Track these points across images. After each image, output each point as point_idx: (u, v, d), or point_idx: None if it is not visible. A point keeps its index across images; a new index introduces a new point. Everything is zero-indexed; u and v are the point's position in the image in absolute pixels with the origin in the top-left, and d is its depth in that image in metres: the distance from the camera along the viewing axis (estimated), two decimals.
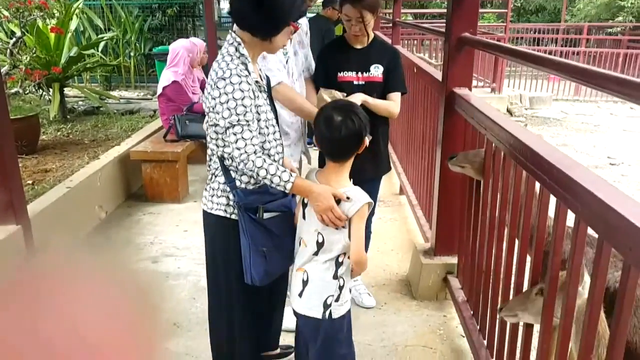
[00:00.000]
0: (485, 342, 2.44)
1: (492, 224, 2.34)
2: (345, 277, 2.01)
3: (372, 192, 2.65)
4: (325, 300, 1.98)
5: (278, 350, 2.56)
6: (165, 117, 5.09)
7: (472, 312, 2.68)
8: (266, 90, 2.07)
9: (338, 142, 1.93)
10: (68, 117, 6.38)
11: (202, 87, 5.42)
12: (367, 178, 2.68)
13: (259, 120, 1.95)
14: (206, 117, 1.99)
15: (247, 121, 1.87)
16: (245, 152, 1.87)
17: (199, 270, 3.49)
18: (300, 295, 2.02)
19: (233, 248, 2.04)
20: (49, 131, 5.75)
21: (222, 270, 2.14)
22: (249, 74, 1.93)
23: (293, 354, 2.46)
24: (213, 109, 1.90)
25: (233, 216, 2.03)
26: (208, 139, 2.02)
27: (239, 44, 1.95)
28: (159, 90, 5.10)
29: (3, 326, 0.36)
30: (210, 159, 2.08)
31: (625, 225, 1.24)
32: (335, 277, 1.98)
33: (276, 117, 2.12)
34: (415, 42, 12.24)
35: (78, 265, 0.43)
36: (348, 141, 1.93)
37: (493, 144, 2.29)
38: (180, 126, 4.86)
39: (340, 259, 1.98)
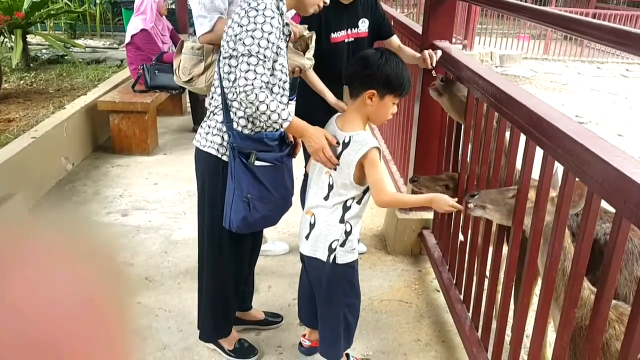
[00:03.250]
0: (461, 297, 2.46)
1: (472, 179, 2.32)
2: (353, 224, 2.01)
3: None
4: (330, 244, 1.99)
5: (263, 316, 2.54)
6: (133, 66, 4.90)
7: (448, 267, 2.69)
8: (287, 40, 2.02)
9: (349, 67, 1.99)
10: (31, 65, 6.10)
11: (172, 37, 5.21)
12: None
13: (275, 62, 1.91)
14: (220, 50, 1.96)
15: (265, 57, 1.83)
16: (252, 84, 1.81)
17: (171, 224, 3.42)
18: (307, 237, 2.04)
19: (221, 190, 2.02)
20: (12, 79, 5.50)
21: (208, 212, 2.12)
22: (281, 14, 1.91)
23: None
24: (235, 36, 1.86)
25: (224, 157, 2.01)
26: (216, 74, 1.99)
27: None
28: (127, 39, 4.89)
29: None
30: (212, 96, 2.04)
31: (619, 178, 1.22)
32: (342, 221, 1.99)
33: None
34: None
35: (34, 233, 0.42)
36: (355, 66, 1.96)
37: (475, 96, 2.25)
38: (149, 76, 4.69)
39: (348, 203, 1.98)
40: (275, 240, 3.15)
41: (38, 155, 3.70)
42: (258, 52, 1.81)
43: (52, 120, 4.11)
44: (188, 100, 5.29)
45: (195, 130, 5.12)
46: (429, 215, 3.09)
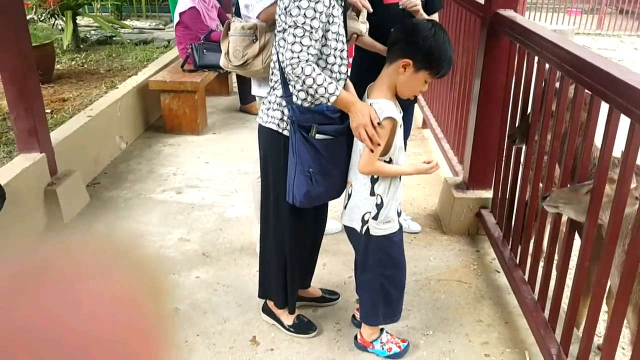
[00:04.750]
0: (526, 277, 2.37)
1: (541, 156, 2.22)
2: (384, 196, 1.99)
3: (407, 119, 2.54)
4: (363, 216, 2.01)
5: (320, 293, 2.52)
6: (182, 46, 4.90)
7: (510, 248, 2.60)
8: (343, 5, 1.96)
9: (395, 31, 1.94)
10: (81, 46, 6.20)
11: (219, 16, 5.19)
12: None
13: (327, 31, 1.86)
14: (276, 24, 1.93)
15: (312, 27, 1.79)
16: (298, 57, 1.79)
17: (224, 202, 3.43)
18: (345, 207, 2.09)
19: (283, 165, 2.01)
20: (63, 60, 5.60)
21: (272, 187, 2.12)
22: None
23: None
24: (285, 9, 1.83)
25: (285, 132, 1.99)
26: (274, 48, 1.97)
27: None
28: (176, 18, 4.89)
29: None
30: (272, 72, 2.02)
31: None
32: (372, 193, 1.99)
33: (347, 36, 2.01)
34: None
35: (76, 254, 0.41)
36: (401, 32, 1.91)
37: (547, 66, 2.15)
38: (197, 56, 4.68)
39: (375, 176, 1.98)
40: (328, 218, 3.11)
41: (94, 133, 3.76)
42: (304, 23, 1.77)
43: (106, 99, 4.16)
44: (235, 80, 5.28)
45: (242, 110, 5.13)
46: (488, 194, 3.00)
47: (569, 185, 1.99)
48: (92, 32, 7.00)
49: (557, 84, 2.06)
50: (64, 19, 5.75)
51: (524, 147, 2.46)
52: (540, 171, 2.26)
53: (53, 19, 5.97)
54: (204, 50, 4.73)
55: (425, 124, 4.57)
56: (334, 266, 2.77)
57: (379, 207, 1.99)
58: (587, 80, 1.78)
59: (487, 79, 2.84)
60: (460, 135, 3.49)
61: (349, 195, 2.06)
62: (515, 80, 2.61)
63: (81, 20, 7.08)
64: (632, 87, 1.52)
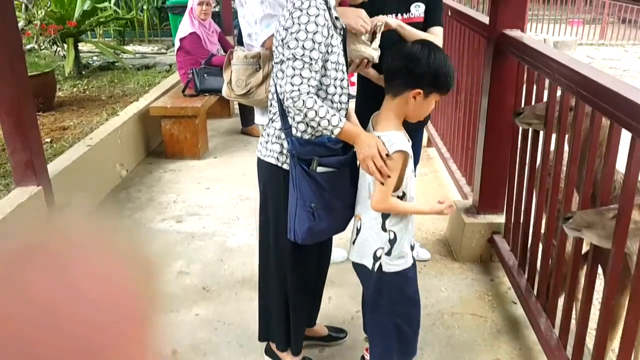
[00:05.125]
0: (545, 309, 2.24)
1: (557, 181, 2.10)
2: (398, 232, 1.87)
3: (416, 143, 2.43)
4: (375, 252, 1.88)
5: (326, 332, 2.39)
6: (183, 71, 4.85)
7: (526, 276, 2.47)
8: (342, 33, 1.87)
9: (389, 61, 1.82)
10: (83, 72, 6.16)
11: (220, 40, 5.14)
12: (408, 128, 2.43)
13: (326, 61, 1.78)
14: (274, 55, 1.85)
15: (311, 59, 1.71)
16: (299, 90, 1.71)
17: (225, 230, 3.32)
18: (353, 242, 1.97)
19: (283, 200, 1.91)
20: (65, 87, 5.56)
21: (272, 222, 2.01)
22: (329, 9, 1.77)
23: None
24: (282, 40, 1.75)
25: (285, 165, 1.89)
26: (272, 80, 1.88)
27: None
28: (177, 43, 4.84)
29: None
30: (271, 103, 1.94)
31: None
32: (384, 229, 1.86)
33: (347, 65, 1.92)
34: None
35: (69, 236, 0.43)
36: (398, 62, 1.80)
37: (559, 89, 2.04)
38: (198, 80, 4.63)
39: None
40: (333, 247, 3.00)
41: (94, 163, 3.67)
42: (303, 55, 1.70)
43: (106, 127, 4.09)
44: (236, 102, 5.21)
45: (244, 133, 5.06)
46: (500, 219, 2.88)
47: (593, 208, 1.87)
48: (95, 58, 6.99)
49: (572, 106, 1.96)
50: (66, 46, 5.72)
51: (538, 167, 2.34)
52: (556, 195, 2.14)
53: (55, 47, 5.94)
54: (205, 75, 4.68)
55: (430, 143, 4.46)
56: (340, 299, 2.65)
57: (392, 242, 1.87)
58: (606, 106, 1.67)
59: (495, 98, 2.73)
60: (468, 156, 3.38)
61: (358, 230, 1.93)
62: (525, 101, 2.50)
63: (83, 47, 7.07)
64: None
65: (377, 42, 2.04)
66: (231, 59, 2.42)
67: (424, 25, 2.36)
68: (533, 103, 2.39)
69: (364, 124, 1.94)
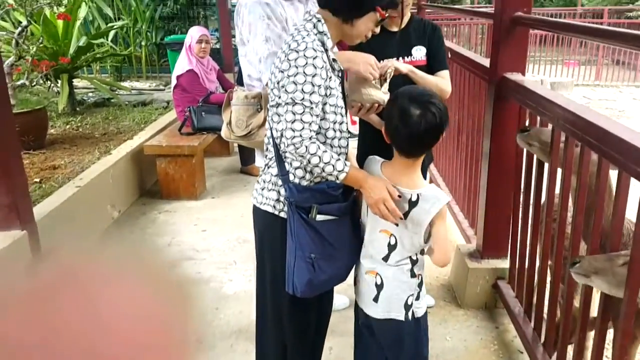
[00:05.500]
0: None
1: (562, 229, 2.03)
2: (422, 273, 1.84)
3: None
4: (406, 302, 1.80)
5: None
6: (180, 109, 4.81)
7: (533, 325, 2.37)
8: (340, 75, 1.81)
9: (417, 138, 1.68)
10: (77, 109, 6.12)
11: (219, 78, 5.12)
12: None
13: (325, 104, 1.71)
14: (269, 98, 1.77)
15: (312, 102, 1.64)
16: (301, 135, 1.63)
17: (221, 276, 3.22)
18: (375, 300, 1.82)
19: (281, 250, 1.81)
20: (58, 124, 5.50)
21: (269, 275, 1.91)
22: (326, 51, 1.71)
23: None
24: (278, 83, 1.68)
25: (282, 214, 1.80)
26: (267, 124, 1.80)
27: (319, 20, 1.74)
28: (174, 81, 4.81)
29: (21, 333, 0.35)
30: (267, 148, 1.86)
31: None
32: (413, 275, 1.80)
33: (346, 108, 1.85)
34: (446, 29, 11.67)
35: (97, 264, 0.42)
36: (428, 137, 1.69)
37: (563, 135, 1.98)
38: (196, 118, 4.58)
39: (414, 257, 1.80)
40: (334, 293, 2.90)
41: (83, 204, 3.58)
42: (303, 99, 1.62)
43: (98, 167, 4.01)
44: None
45: (243, 172, 4.99)
46: (504, 264, 2.79)
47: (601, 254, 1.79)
48: (90, 94, 6.97)
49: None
50: (60, 82, 5.69)
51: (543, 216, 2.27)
52: (562, 242, 2.07)
53: (48, 82, 5.91)
54: (203, 113, 4.64)
55: (431, 182, 4.40)
56: (342, 349, 2.53)
57: (420, 285, 1.83)
58: (613, 153, 1.60)
59: (497, 141, 2.68)
60: (471, 198, 3.32)
61: (379, 286, 1.80)
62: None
63: (79, 83, 7.05)
64: None
65: (386, 86, 1.98)
66: (231, 98, 2.38)
67: (429, 70, 2.31)
68: None
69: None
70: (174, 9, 8.68)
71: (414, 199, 1.72)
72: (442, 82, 2.25)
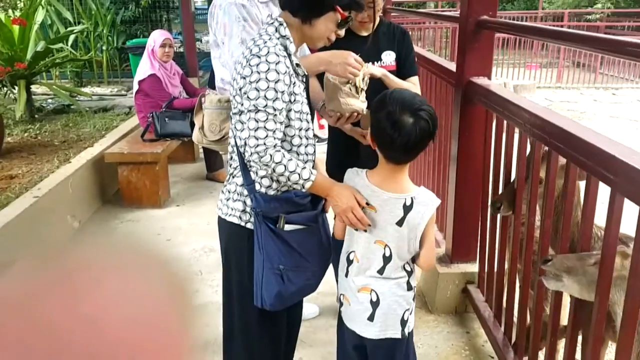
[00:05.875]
0: None
1: (531, 232, 2.03)
2: (415, 284, 1.81)
3: None
4: (403, 317, 1.75)
5: None
6: (142, 114, 4.68)
7: (503, 329, 2.36)
8: (305, 81, 1.76)
9: (412, 146, 1.63)
10: (36, 116, 5.91)
11: (183, 82, 5.01)
12: None
13: (289, 111, 1.66)
14: (232, 105, 1.71)
15: (275, 109, 1.59)
16: (265, 144, 1.58)
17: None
18: (371, 318, 1.74)
19: (248, 262, 1.74)
20: (15, 132, 5.29)
21: (236, 287, 1.84)
22: (289, 55, 1.66)
23: None
24: (240, 90, 1.62)
25: (249, 225, 1.74)
26: (231, 131, 1.74)
27: (280, 24, 1.68)
28: (135, 86, 4.69)
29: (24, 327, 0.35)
30: (231, 157, 1.79)
31: None
32: (410, 287, 1.76)
33: (312, 114, 1.79)
34: (411, 33, 11.78)
35: (91, 263, 0.41)
36: (422, 143, 1.65)
37: (530, 138, 1.98)
38: (159, 124, 4.46)
39: (408, 267, 1.76)
40: (303, 302, 2.84)
41: (41, 215, 3.44)
42: (266, 105, 1.57)
43: (57, 176, 3.86)
44: (201, 146, 5.05)
45: (209, 178, 4.89)
46: (474, 268, 2.78)
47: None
48: (49, 100, 6.75)
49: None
50: (17, 88, 5.49)
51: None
52: (531, 247, 2.06)
53: (5, 89, 5.70)
54: (166, 119, 4.52)
55: None
56: None
57: (415, 297, 1.81)
58: (580, 157, 1.60)
59: (464, 145, 2.68)
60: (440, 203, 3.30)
61: (374, 302, 1.73)
62: (495, 149, 2.45)
63: (37, 89, 6.83)
64: (637, 171, 1.34)
65: (364, 94, 1.93)
66: (203, 102, 2.32)
67: (399, 75, 2.29)
68: (503, 151, 2.33)
69: (336, 178, 1.82)
70: (136, 13, 8.50)
71: (408, 203, 1.68)
72: (413, 88, 2.22)
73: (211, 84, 2.44)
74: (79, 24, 7.98)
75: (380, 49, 2.32)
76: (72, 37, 7.62)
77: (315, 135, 1.85)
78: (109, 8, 8.40)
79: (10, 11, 5.59)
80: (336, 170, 1.95)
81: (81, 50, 8.24)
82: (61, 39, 6.97)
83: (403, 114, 1.59)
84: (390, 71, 2.24)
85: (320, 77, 2.11)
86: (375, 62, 2.29)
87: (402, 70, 2.33)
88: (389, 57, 2.32)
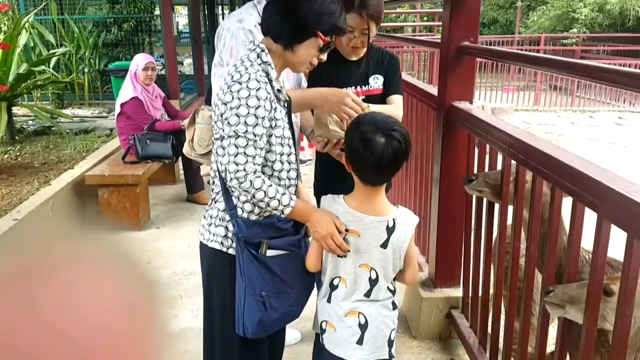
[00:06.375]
0: None
1: (516, 259, 2.03)
2: (398, 302, 1.82)
3: None
4: (389, 337, 1.75)
5: None
6: (123, 137, 4.65)
7: (489, 357, 2.35)
8: (286, 105, 1.76)
9: (384, 166, 1.62)
10: (16, 138, 5.85)
11: (164, 104, 4.99)
12: None
13: (270, 136, 1.66)
14: (213, 130, 1.71)
15: (255, 135, 1.58)
16: (244, 169, 1.57)
17: (165, 311, 3.05)
18: (360, 342, 1.72)
19: (230, 288, 1.72)
20: None
21: (218, 314, 1.82)
22: (270, 81, 1.66)
23: None
24: (222, 116, 1.62)
25: (230, 250, 1.72)
26: (213, 156, 1.73)
27: (262, 50, 1.69)
28: (117, 108, 4.66)
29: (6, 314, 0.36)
30: (213, 181, 1.78)
31: None
32: (395, 306, 1.77)
33: (294, 138, 1.79)
34: None
35: (76, 257, 0.43)
36: (394, 164, 1.64)
37: (513, 164, 2.00)
38: (140, 146, 4.44)
39: (391, 286, 1.77)
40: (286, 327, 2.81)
41: (21, 239, 3.37)
42: (246, 131, 1.57)
43: (37, 198, 3.81)
44: (181, 167, 5.02)
45: (189, 200, 4.85)
46: (458, 292, 2.78)
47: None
48: (30, 122, 6.67)
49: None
50: None
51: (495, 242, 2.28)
52: (517, 273, 2.06)
53: None
54: (148, 141, 4.50)
55: None
56: None
57: (399, 317, 1.81)
58: (566, 183, 1.61)
59: (446, 168, 2.69)
60: (421, 225, 3.30)
61: (363, 325, 1.71)
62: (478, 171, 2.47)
63: (18, 110, 6.75)
64: (624, 197, 1.35)
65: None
66: (197, 117, 2.41)
67: (383, 95, 2.35)
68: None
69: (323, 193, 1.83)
70: (118, 36, 8.47)
71: (390, 224, 1.68)
72: (396, 109, 2.29)
73: (207, 101, 2.52)
74: (61, 47, 7.93)
75: (369, 73, 2.36)
76: (54, 60, 7.56)
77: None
78: (91, 31, 8.37)
79: None
80: (325, 191, 1.96)
81: (63, 72, 8.18)
82: (43, 62, 6.92)
83: (375, 134, 1.61)
84: (376, 95, 2.32)
85: None
86: (363, 86, 2.35)
87: (386, 89, 2.37)
88: (376, 81, 2.37)
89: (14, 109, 6.07)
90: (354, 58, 2.33)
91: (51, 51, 7.40)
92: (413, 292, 2.92)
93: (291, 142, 1.76)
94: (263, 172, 1.66)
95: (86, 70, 8.19)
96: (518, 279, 2.04)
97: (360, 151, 1.62)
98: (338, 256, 1.73)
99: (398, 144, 1.60)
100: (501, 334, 2.24)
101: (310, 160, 5.01)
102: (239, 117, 1.57)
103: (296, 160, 1.81)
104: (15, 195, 4.02)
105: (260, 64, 1.66)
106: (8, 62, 5.71)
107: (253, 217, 1.69)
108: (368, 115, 1.71)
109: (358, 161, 1.65)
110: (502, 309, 2.25)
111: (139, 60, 4.67)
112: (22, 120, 6.71)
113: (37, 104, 7.45)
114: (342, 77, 2.29)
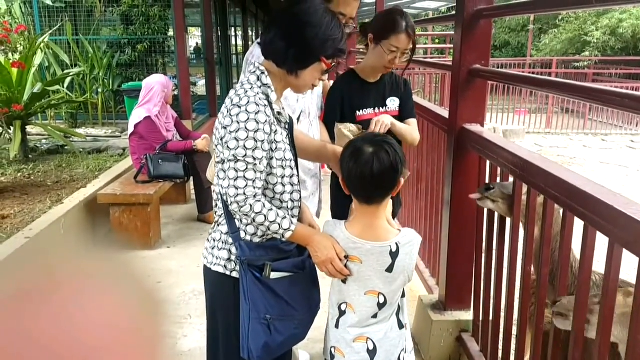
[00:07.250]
0: None
1: (527, 283, 2.02)
2: (407, 321, 1.79)
3: None
4: (399, 358, 1.73)
5: None
6: (136, 156, 4.69)
7: None
8: (287, 127, 1.77)
9: (371, 178, 1.62)
10: (30, 156, 5.91)
11: (176, 125, 5.05)
12: None
13: (271, 159, 1.65)
14: (214, 154, 1.73)
15: (255, 159, 1.58)
16: (244, 193, 1.57)
17: (175, 331, 3.06)
18: None
19: (234, 312, 1.71)
20: (9, 172, 5.28)
21: (222, 338, 1.80)
22: (270, 104, 1.66)
23: None
24: (222, 139, 1.62)
25: (234, 274, 1.71)
26: (216, 179, 1.72)
27: (262, 72, 1.69)
28: (130, 129, 4.71)
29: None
30: (216, 204, 1.77)
31: None
32: (401, 325, 1.74)
33: (296, 160, 1.79)
34: None
35: (81, 275, 0.43)
36: (382, 177, 1.62)
37: (525, 188, 1.99)
38: (152, 166, 4.47)
39: (400, 304, 1.76)
40: (294, 348, 2.79)
41: (32, 256, 3.39)
42: (245, 155, 1.57)
43: (49, 216, 3.84)
44: (192, 187, 5.06)
45: (200, 220, 4.87)
46: (468, 316, 2.75)
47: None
48: (43, 141, 6.76)
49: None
50: (12, 129, 5.51)
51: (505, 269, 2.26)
52: (529, 297, 2.04)
53: (1, 129, 5.72)
54: (160, 160, 4.54)
55: None
56: None
57: (409, 337, 1.79)
58: (579, 208, 1.60)
59: (457, 190, 2.69)
60: (432, 247, 3.30)
61: (371, 351, 1.70)
62: None
63: (32, 129, 6.85)
64: (636, 222, 1.34)
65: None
66: None
67: (401, 118, 2.45)
68: None
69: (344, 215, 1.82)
70: (132, 56, 8.62)
71: (394, 249, 1.66)
72: (415, 130, 2.45)
73: None
74: (76, 67, 8.07)
75: (386, 95, 2.47)
76: (68, 79, 7.70)
77: None
78: (105, 52, 8.53)
79: (10, 54, 5.64)
80: (343, 215, 1.98)
81: (77, 92, 8.31)
82: (58, 81, 7.03)
83: (364, 144, 1.64)
84: (393, 116, 2.39)
85: (331, 126, 2.27)
86: (381, 108, 2.45)
87: (403, 114, 2.49)
88: (393, 103, 2.48)
89: (28, 128, 6.15)
90: (372, 80, 2.45)
91: (66, 71, 7.54)
92: (423, 314, 2.90)
93: (293, 164, 1.76)
94: (265, 195, 1.66)
95: (100, 90, 8.33)
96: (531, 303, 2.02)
97: (348, 163, 1.64)
98: (343, 281, 1.73)
99: (386, 154, 1.60)
100: (512, 358, 2.21)
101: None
102: (238, 140, 1.57)
103: (299, 182, 1.82)
104: (28, 214, 4.06)
105: (260, 87, 1.66)
106: (23, 81, 5.81)
107: (256, 240, 1.69)
108: (364, 135, 1.73)
109: (347, 174, 1.66)
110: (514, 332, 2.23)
111: (165, 82, 4.78)
112: (36, 139, 6.81)
113: (50, 123, 7.57)
114: (362, 99, 2.41)
